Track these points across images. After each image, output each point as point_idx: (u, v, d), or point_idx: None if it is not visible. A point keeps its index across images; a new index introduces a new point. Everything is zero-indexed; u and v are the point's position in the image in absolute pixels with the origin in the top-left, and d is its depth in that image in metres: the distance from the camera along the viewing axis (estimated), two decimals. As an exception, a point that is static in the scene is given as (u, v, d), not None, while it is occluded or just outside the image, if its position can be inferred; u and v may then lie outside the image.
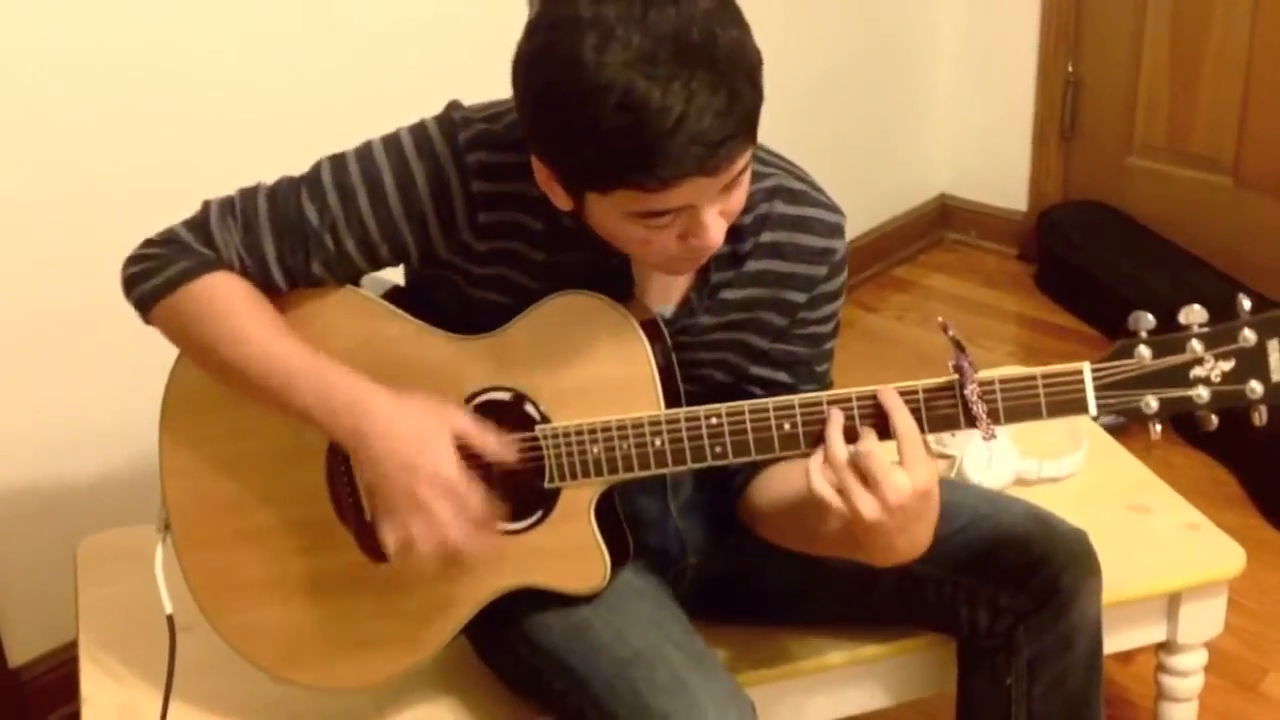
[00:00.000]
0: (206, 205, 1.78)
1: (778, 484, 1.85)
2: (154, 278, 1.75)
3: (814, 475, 1.62)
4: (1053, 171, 4.34)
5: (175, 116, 2.58)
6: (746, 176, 1.58)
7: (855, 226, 4.17)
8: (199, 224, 1.77)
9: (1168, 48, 3.97)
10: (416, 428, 1.67)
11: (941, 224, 4.57)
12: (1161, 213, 4.09)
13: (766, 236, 1.79)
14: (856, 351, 3.86)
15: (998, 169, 4.43)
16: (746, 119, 1.48)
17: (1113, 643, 2.06)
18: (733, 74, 1.45)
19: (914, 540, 1.66)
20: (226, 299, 1.73)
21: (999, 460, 2.34)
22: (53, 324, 2.50)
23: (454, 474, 1.66)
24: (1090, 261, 4.02)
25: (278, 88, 2.72)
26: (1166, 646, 2.26)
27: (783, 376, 1.89)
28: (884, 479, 1.58)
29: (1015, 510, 1.97)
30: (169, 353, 1.81)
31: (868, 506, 1.59)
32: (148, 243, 1.79)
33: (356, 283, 1.80)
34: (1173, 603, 2.21)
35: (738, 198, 1.59)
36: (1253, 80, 3.80)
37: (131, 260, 1.79)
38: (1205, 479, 3.18)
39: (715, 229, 1.57)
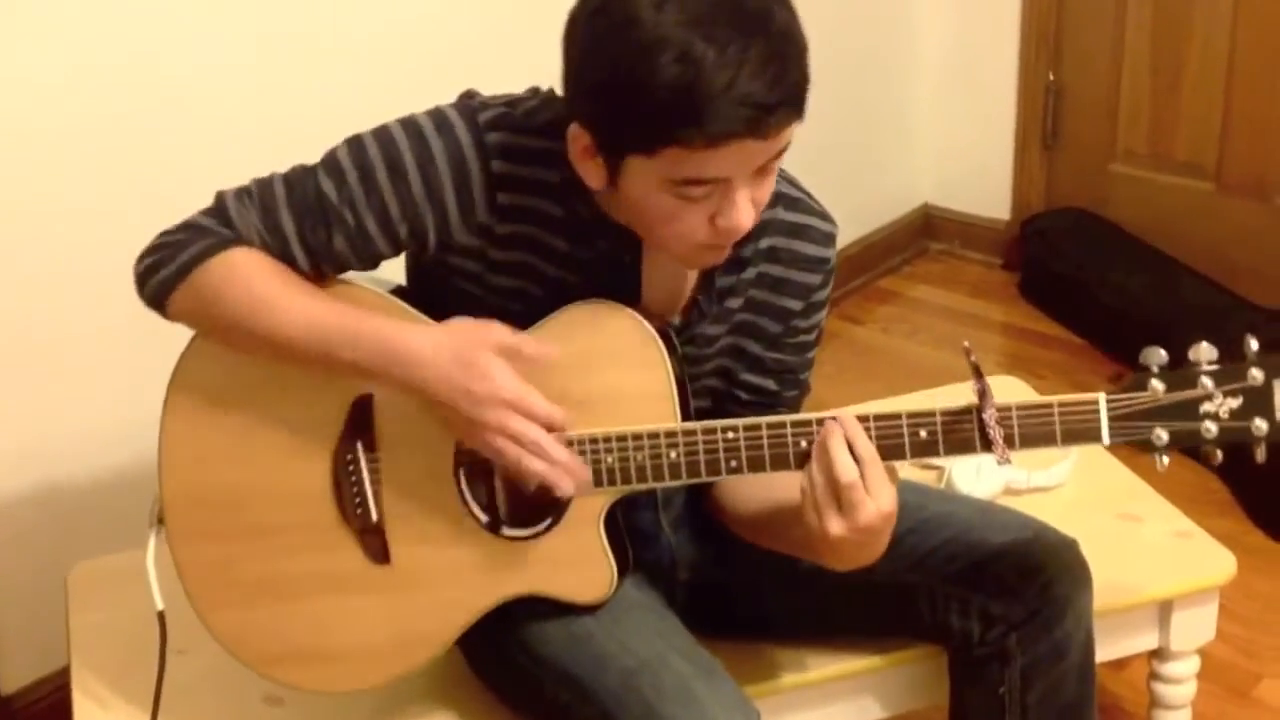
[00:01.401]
0: (221, 194, 1.77)
1: (747, 484, 1.87)
2: (168, 265, 1.73)
3: (804, 475, 1.67)
4: (1035, 180, 4.35)
5: (174, 127, 2.58)
6: (778, 166, 1.61)
7: (840, 238, 4.15)
8: (215, 210, 1.76)
9: (1148, 54, 3.98)
10: (458, 352, 1.66)
11: (925, 234, 4.58)
12: (1145, 219, 4.10)
13: (765, 242, 1.82)
14: (843, 364, 3.86)
15: (980, 178, 4.44)
16: (796, 91, 1.52)
17: (1105, 651, 2.06)
18: (786, 48, 1.50)
19: (869, 553, 1.70)
20: (248, 270, 1.72)
21: (988, 471, 2.34)
22: (43, 349, 2.49)
23: (514, 389, 1.65)
24: (1074, 269, 4.03)
25: (279, 96, 2.72)
26: (1159, 654, 2.27)
27: (770, 384, 1.91)
28: (859, 507, 1.62)
29: (1005, 520, 1.98)
30: (161, 376, 1.81)
31: (835, 526, 1.63)
32: (163, 233, 1.77)
33: (375, 267, 1.79)
34: (1164, 610, 2.21)
35: (767, 188, 1.63)
36: (1234, 85, 3.82)
37: (144, 253, 1.77)
38: (1195, 486, 3.17)
39: (745, 211, 1.59)
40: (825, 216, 1.87)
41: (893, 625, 2.02)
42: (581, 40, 1.55)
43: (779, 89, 1.49)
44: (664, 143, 1.51)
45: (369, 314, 1.72)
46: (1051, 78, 4.19)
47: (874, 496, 1.62)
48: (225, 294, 1.72)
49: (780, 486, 1.75)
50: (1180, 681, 2.28)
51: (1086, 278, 3.95)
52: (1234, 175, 3.90)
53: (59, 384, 2.53)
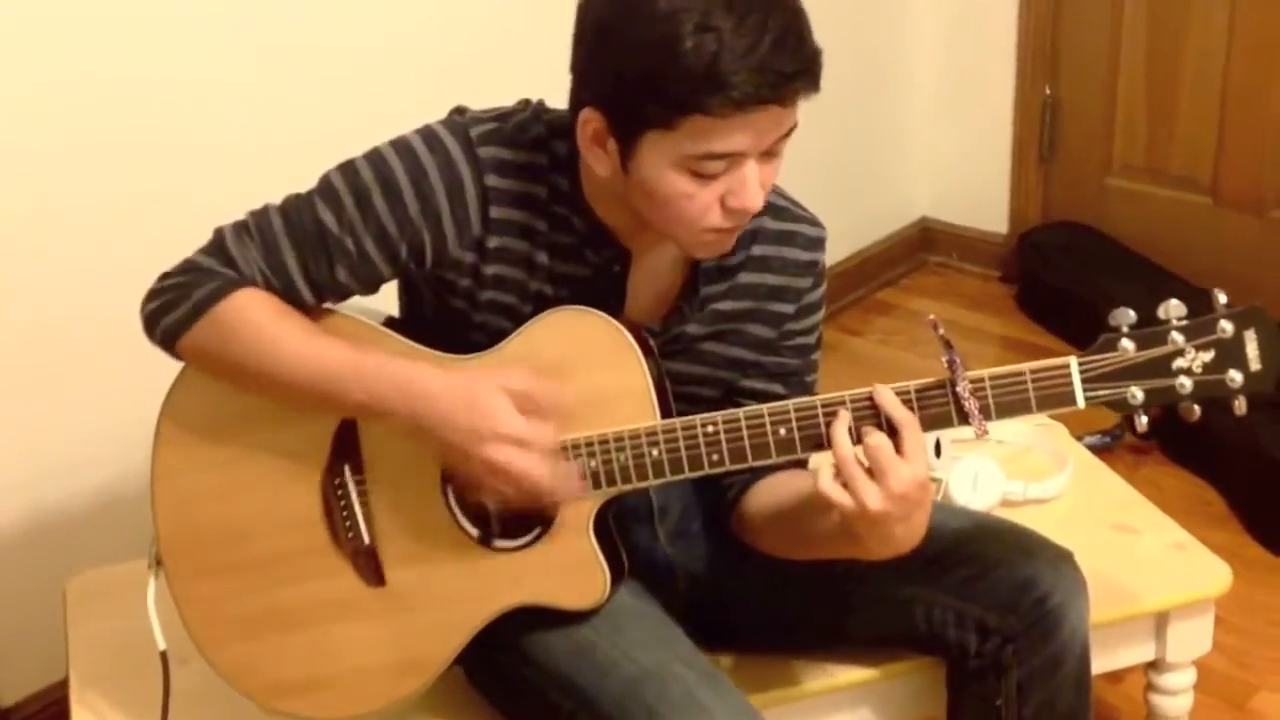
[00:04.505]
0: (219, 231, 1.78)
1: (770, 492, 1.88)
2: (178, 308, 1.74)
3: (822, 474, 1.66)
4: (1032, 193, 4.35)
5: (173, 140, 2.58)
6: (783, 149, 1.64)
7: (837, 251, 4.20)
8: (215, 248, 1.76)
9: (1144, 68, 3.99)
10: (466, 392, 1.67)
11: (923, 247, 4.58)
12: (1141, 232, 4.11)
13: (756, 250, 1.83)
14: (842, 375, 3.82)
15: (978, 192, 4.45)
16: (814, 63, 1.56)
17: (1102, 662, 2.07)
18: (801, 24, 1.55)
19: (911, 530, 1.69)
20: (255, 314, 1.73)
21: (984, 482, 2.34)
22: (41, 361, 2.50)
23: (515, 427, 1.66)
24: (1071, 282, 4.03)
25: (284, 107, 2.73)
26: (1155, 665, 2.27)
27: (777, 388, 1.91)
28: (890, 469, 1.62)
29: (1001, 531, 1.99)
30: (158, 388, 1.82)
31: (873, 497, 1.62)
32: (164, 276, 1.78)
33: (376, 291, 1.80)
34: (1161, 622, 2.21)
35: (773, 171, 1.65)
36: (1229, 99, 3.83)
37: (150, 295, 1.78)
38: (1192, 498, 3.18)
39: (756, 190, 1.61)
40: (813, 221, 1.89)
41: (889, 637, 2.01)
42: (597, 20, 1.58)
43: (799, 58, 1.54)
44: (686, 112, 1.53)
45: (377, 352, 1.73)
46: (1048, 92, 4.20)
47: (909, 460, 1.63)
48: (234, 337, 1.73)
49: (798, 479, 1.76)
50: (1177, 693, 2.29)
51: (1083, 291, 3.95)
52: (1230, 189, 3.91)
53: (56, 395, 2.53)
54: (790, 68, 1.53)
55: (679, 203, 1.62)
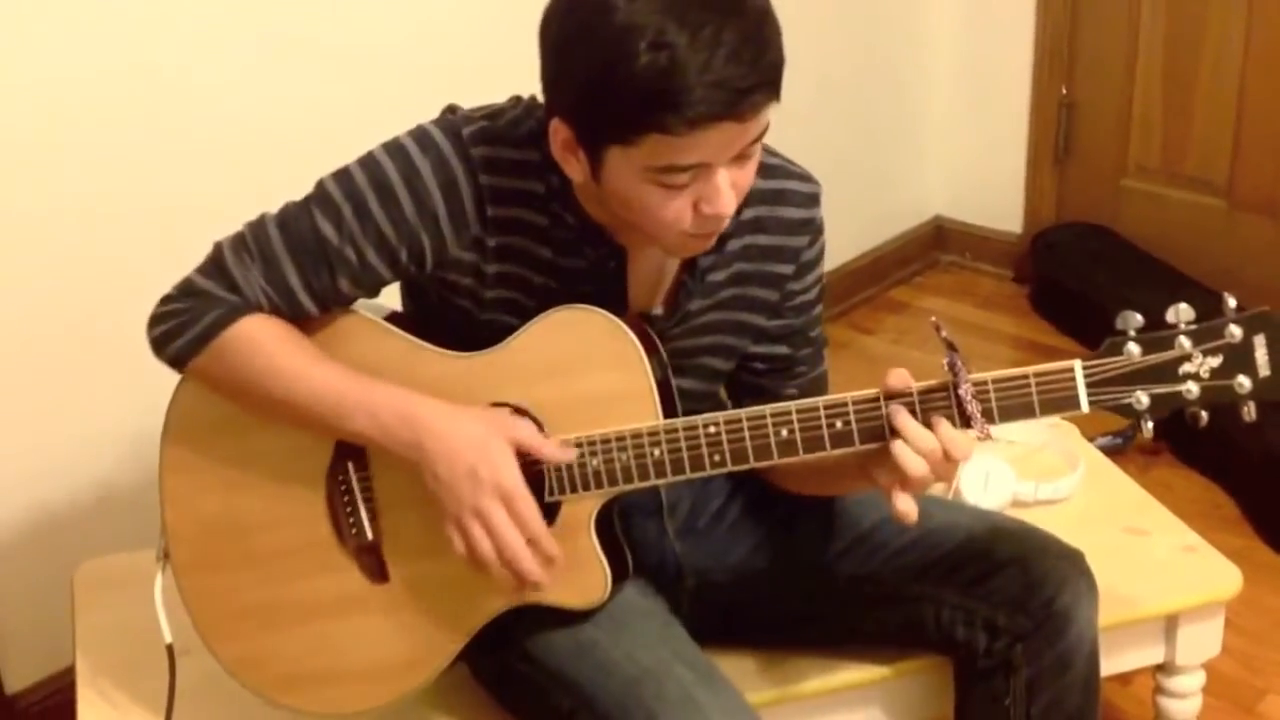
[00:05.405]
0: (218, 247, 1.78)
1: None
2: (184, 334, 1.74)
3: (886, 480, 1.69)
4: (1047, 193, 4.35)
5: (174, 136, 2.58)
6: (759, 150, 1.62)
7: (851, 249, 4.20)
8: (216, 268, 1.76)
9: (1161, 69, 3.98)
10: (476, 436, 1.68)
11: (937, 246, 4.58)
12: (1156, 234, 4.10)
13: (747, 213, 1.81)
14: (854, 373, 3.82)
15: (992, 191, 4.44)
16: (773, 72, 1.53)
17: (1111, 664, 2.06)
18: (760, 29, 1.51)
19: None
20: (262, 341, 1.73)
21: (995, 482, 2.34)
22: (48, 350, 2.50)
23: (514, 483, 1.67)
24: (1085, 283, 4.02)
25: (284, 106, 2.73)
26: (1164, 668, 2.27)
27: (782, 349, 1.92)
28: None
29: (1012, 531, 1.98)
30: (167, 379, 1.82)
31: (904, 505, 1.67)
32: (166, 299, 1.78)
33: (377, 295, 1.81)
34: (1170, 624, 2.21)
35: (749, 171, 1.63)
36: (1246, 101, 3.82)
37: (155, 320, 1.78)
38: (1203, 501, 3.18)
39: (727, 196, 1.59)
40: (805, 177, 1.88)
41: (898, 635, 2.02)
42: (557, 34, 1.57)
43: (755, 71, 1.50)
44: (643, 130, 1.51)
45: (383, 383, 1.73)
46: (1064, 92, 4.20)
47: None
48: (240, 365, 1.74)
49: None
50: (1185, 696, 2.28)
51: (1096, 292, 3.95)
52: (1245, 191, 3.90)
53: (63, 383, 2.54)
54: (746, 82, 1.49)
55: (651, 211, 1.62)
